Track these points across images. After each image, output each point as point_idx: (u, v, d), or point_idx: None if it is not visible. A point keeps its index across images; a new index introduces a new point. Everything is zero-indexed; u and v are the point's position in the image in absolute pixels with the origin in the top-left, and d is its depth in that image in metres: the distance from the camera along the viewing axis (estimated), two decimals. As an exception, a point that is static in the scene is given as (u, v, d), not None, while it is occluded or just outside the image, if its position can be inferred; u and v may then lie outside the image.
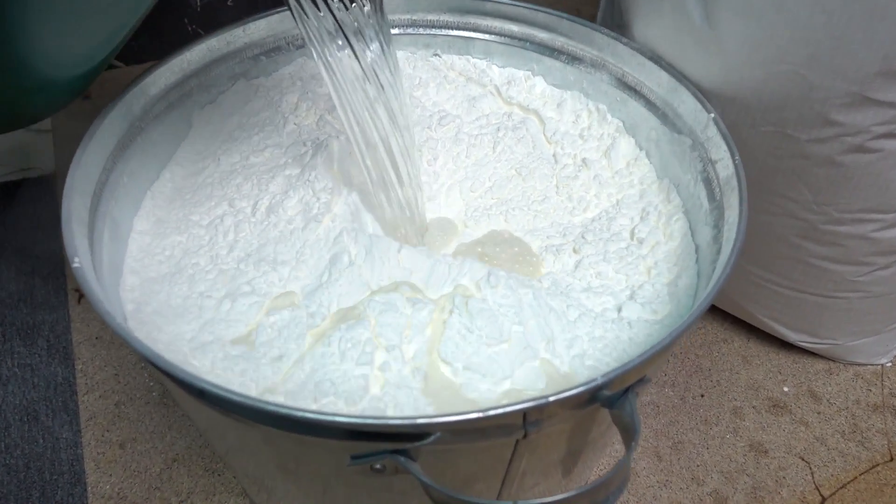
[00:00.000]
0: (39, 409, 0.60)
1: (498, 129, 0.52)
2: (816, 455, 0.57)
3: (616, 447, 0.57)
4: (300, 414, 0.29)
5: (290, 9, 0.38)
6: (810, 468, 0.57)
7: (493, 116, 0.53)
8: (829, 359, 0.63)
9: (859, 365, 0.63)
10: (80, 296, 0.67)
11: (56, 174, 0.79)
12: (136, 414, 0.58)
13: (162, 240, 0.44)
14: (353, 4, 0.39)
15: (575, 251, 0.44)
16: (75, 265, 0.35)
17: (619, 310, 0.40)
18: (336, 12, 0.39)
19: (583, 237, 0.45)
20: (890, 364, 0.64)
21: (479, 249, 0.45)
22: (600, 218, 0.47)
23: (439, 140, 0.51)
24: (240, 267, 0.41)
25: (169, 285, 0.41)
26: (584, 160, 0.50)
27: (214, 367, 0.36)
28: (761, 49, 0.42)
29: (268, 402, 0.29)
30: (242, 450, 0.39)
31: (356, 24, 0.39)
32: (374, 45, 0.41)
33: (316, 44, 0.39)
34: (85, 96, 0.89)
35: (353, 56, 0.40)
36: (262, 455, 0.37)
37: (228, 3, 0.91)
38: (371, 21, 0.40)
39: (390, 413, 0.35)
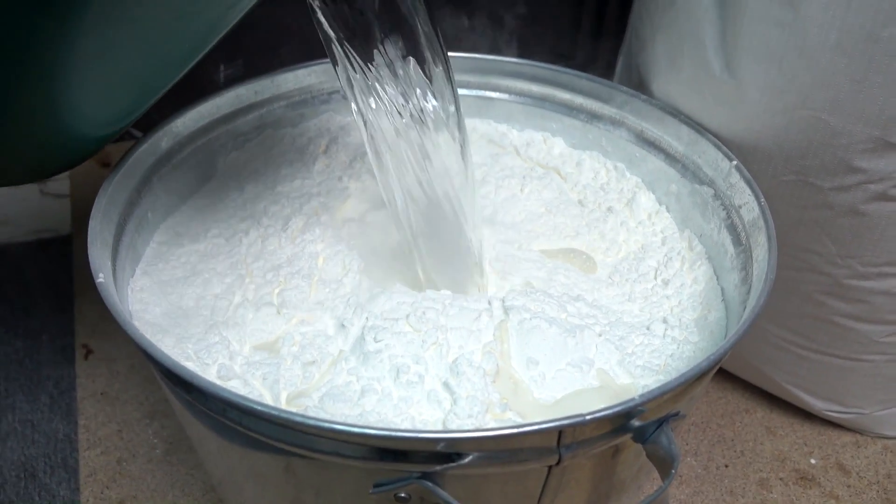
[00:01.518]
0: (38, 465, 0.58)
1: (524, 177, 0.53)
2: (850, 529, 0.55)
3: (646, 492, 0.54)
4: (327, 425, 0.28)
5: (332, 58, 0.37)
6: (845, 543, 0.54)
7: (517, 168, 0.54)
8: (855, 431, 0.61)
9: (888, 438, 0.61)
10: (88, 352, 0.66)
11: (72, 237, 0.79)
12: (138, 471, 0.56)
13: (178, 248, 0.44)
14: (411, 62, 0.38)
15: (607, 287, 0.44)
16: (99, 280, 0.34)
17: (648, 328, 0.40)
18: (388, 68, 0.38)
19: (610, 278, 0.45)
20: (920, 438, 0.61)
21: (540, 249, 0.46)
22: (628, 259, 0.47)
23: None
24: (266, 277, 0.40)
25: (182, 287, 0.40)
26: (609, 208, 0.50)
27: (228, 372, 0.35)
28: (783, 95, 0.42)
29: (294, 413, 0.28)
30: (255, 484, 0.37)
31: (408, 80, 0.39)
32: (436, 103, 0.40)
33: (360, 100, 0.38)
34: (104, 164, 0.91)
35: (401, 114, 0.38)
36: (277, 490, 0.35)
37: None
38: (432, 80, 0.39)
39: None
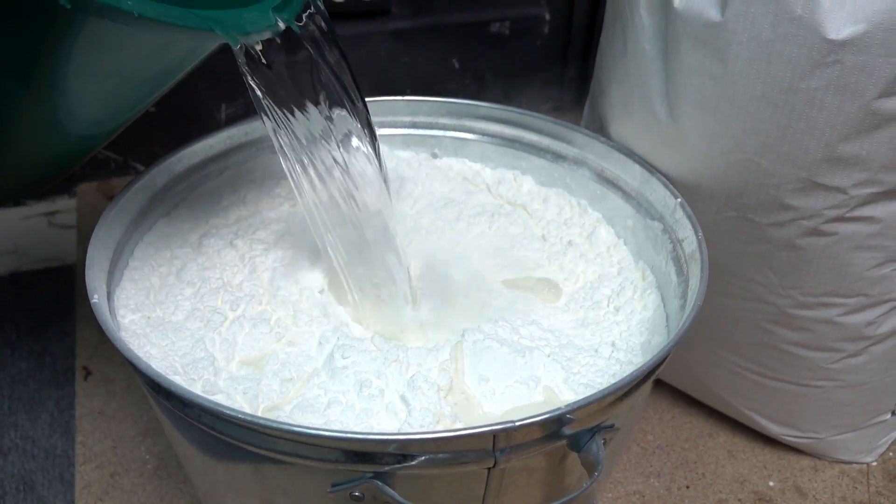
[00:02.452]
0: (36, 479, 0.61)
1: (493, 215, 0.57)
2: (803, 548, 0.57)
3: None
4: (290, 428, 0.31)
5: (260, 112, 0.41)
6: (797, 561, 0.56)
7: (487, 206, 0.59)
8: (813, 455, 0.64)
9: (844, 462, 0.64)
10: (87, 373, 0.70)
11: (76, 265, 0.83)
12: (130, 485, 0.60)
13: (166, 251, 0.48)
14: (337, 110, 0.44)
15: (562, 314, 0.49)
16: (94, 300, 0.38)
17: (596, 350, 0.44)
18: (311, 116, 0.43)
19: (566, 305, 0.49)
20: (875, 463, 0.64)
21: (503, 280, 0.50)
22: (584, 288, 0.51)
23: (445, 219, 0.57)
24: (271, 290, 0.45)
25: (172, 297, 0.44)
26: (569, 241, 0.54)
27: (212, 387, 0.39)
28: (719, 140, 0.47)
29: (260, 417, 0.32)
30: (233, 492, 0.41)
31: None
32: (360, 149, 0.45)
33: (287, 149, 0.42)
34: (110, 197, 0.96)
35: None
36: (250, 493, 0.39)
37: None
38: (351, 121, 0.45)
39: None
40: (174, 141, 0.99)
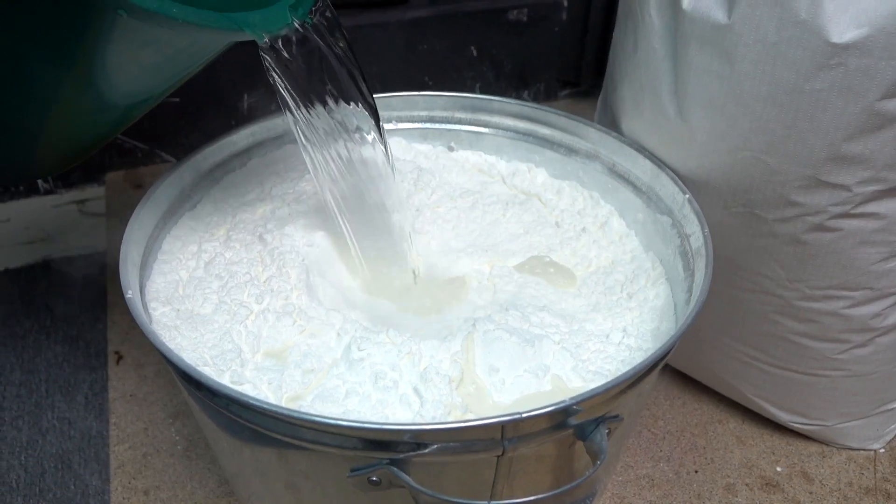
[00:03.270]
0: (73, 458, 0.65)
1: (507, 203, 0.59)
2: (808, 532, 0.59)
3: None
4: (311, 418, 0.34)
5: (282, 105, 0.46)
6: (801, 544, 0.58)
7: (502, 195, 0.61)
8: (821, 442, 0.66)
9: (852, 449, 0.65)
10: (119, 357, 0.73)
11: (107, 252, 0.86)
12: (161, 465, 0.63)
13: (195, 244, 0.51)
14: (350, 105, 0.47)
15: (574, 298, 0.50)
16: (128, 296, 0.41)
17: (608, 336, 0.46)
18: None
19: (578, 290, 0.51)
20: (883, 450, 0.66)
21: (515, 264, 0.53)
22: (597, 273, 0.53)
23: (461, 208, 0.59)
24: (285, 291, 0.47)
25: (201, 290, 0.47)
26: (583, 228, 0.56)
27: (239, 377, 0.41)
28: (726, 138, 0.48)
29: (286, 408, 0.34)
30: (258, 475, 0.43)
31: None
32: (369, 137, 0.48)
33: (306, 138, 0.46)
34: (137, 186, 0.99)
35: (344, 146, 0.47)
36: (275, 476, 0.42)
37: (272, 108, 1.02)
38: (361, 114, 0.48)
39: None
40: (198, 130, 1.02)
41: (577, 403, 0.35)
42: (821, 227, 0.49)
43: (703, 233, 0.47)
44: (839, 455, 0.65)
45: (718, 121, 0.47)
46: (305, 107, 0.45)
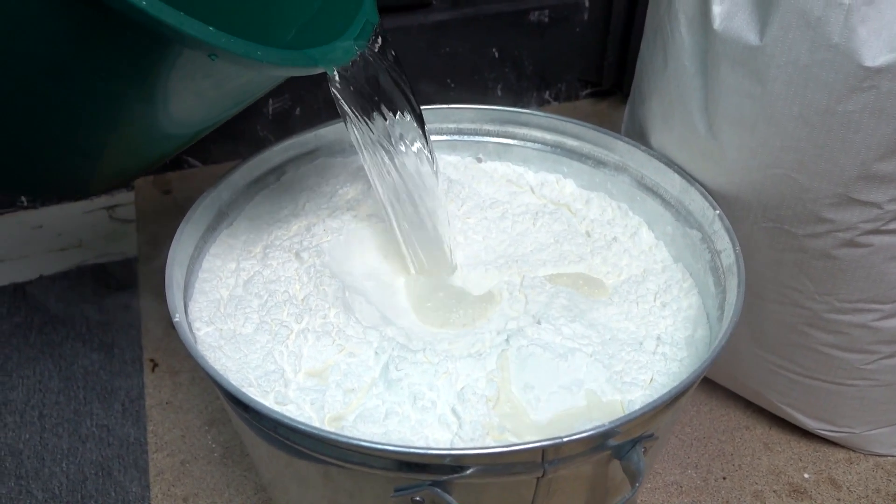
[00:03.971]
0: (113, 465, 0.67)
1: (537, 213, 0.60)
2: (836, 539, 0.60)
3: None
4: (358, 442, 0.35)
5: (345, 121, 0.49)
6: (829, 551, 0.59)
7: (531, 206, 0.61)
8: (849, 448, 0.66)
9: (879, 456, 0.66)
10: (154, 365, 0.75)
11: (139, 258, 0.88)
12: (199, 472, 0.64)
13: (234, 262, 0.53)
14: (397, 115, 0.50)
15: (606, 307, 0.51)
16: (176, 320, 0.42)
17: (641, 344, 0.46)
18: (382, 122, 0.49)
19: (610, 298, 0.51)
20: (910, 456, 0.66)
21: (546, 274, 0.54)
22: (629, 281, 0.53)
23: (491, 219, 0.60)
24: (333, 303, 0.49)
25: (241, 309, 0.48)
26: (614, 238, 0.57)
27: (283, 398, 0.43)
28: (757, 156, 0.48)
29: (336, 433, 0.35)
30: (299, 486, 0.45)
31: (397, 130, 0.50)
32: (415, 145, 0.51)
33: (365, 146, 0.49)
34: (166, 191, 1.01)
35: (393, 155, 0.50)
36: (318, 491, 0.43)
37: (296, 113, 1.03)
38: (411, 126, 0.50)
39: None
40: (225, 136, 1.03)
41: (618, 426, 0.36)
42: (851, 243, 0.49)
43: (735, 251, 0.47)
44: (866, 461, 0.66)
45: (749, 139, 0.48)
46: (365, 121, 0.48)
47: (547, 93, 1.13)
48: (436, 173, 0.53)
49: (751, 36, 0.45)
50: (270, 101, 1.01)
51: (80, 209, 0.98)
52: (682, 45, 0.50)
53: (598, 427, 0.36)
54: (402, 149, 0.50)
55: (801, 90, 0.44)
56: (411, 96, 0.49)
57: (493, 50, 1.07)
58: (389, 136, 0.50)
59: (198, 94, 0.42)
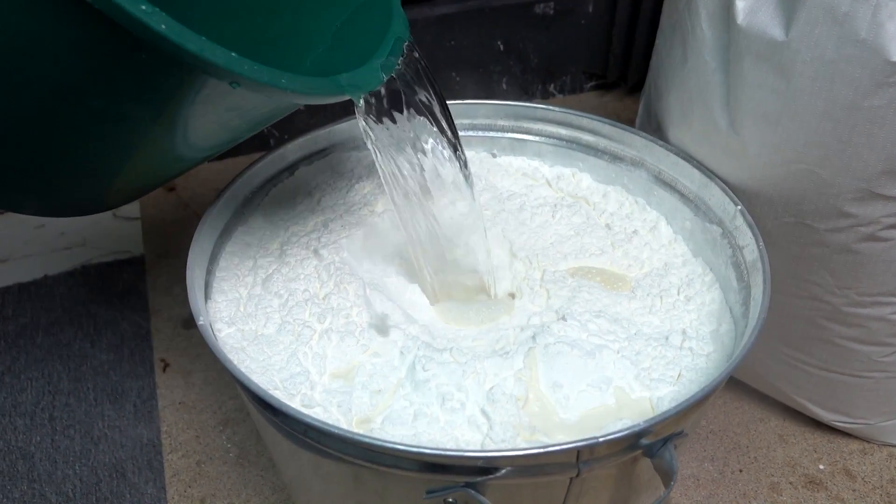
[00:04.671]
0: (126, 466, 0.66)
1: (555, 206, 0.60)
2: (853, 530, 0.60)
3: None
4: (394, 446, 0.35)
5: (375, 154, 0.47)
6: (847, 543, 0.59)
7: (549, 198, 0.61)
8: (863, 439, 0.66)
9: (893, 446, 0.66)
10: (165, 365, 0.74)
11: (144, 256, 0.87)
12: (216, 472, 0.64)
13: (251, 260, 0.52)
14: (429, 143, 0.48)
15: (629, 301, 0.51)
16: (200, 323, 0.42)
17: (667, 339, 0.46)
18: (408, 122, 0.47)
19: (632, 292, 0.51)
20: (924, 446, 0.66)
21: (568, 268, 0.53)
22: (651, 275, 0.53)
23: (509, 211, 0.59)
24: (348, 309, 0.48)
25: (262, 309, 0.48)
26: (634, 231, 0.57)
27: (310, 401, 0.42)
28: (780, 151, 0.48)
29: (370, 436, 0.35)
30: (325, 486, 0.45)
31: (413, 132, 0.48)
32: (441, 149, 0.49)
33: (380, 150, 0.47)
34: (170, 189, 1.00)
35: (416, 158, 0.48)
36: (345, 494, 0.43)
37: (301, 108, 1.02)
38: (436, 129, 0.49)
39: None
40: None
41: (654, 425, 0.36)
42: (872, 237, 0.49)
43: (759, 246, 0.47)
44: (880, 452, 0.66)
45: (772, 134, 0.48)
46: (393, 160, 0.46)
47: (552, 86, 1.13)
48: (470, 186, 0.50)
49: (776, 31, 0.45)
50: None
51: (83, 207, 0.97)
52: (703, 41, 0.50)
53: (634, 426, 0.36)
54: (438, 194, 0.48)
55: (826, 85, 0.44)
56: (442, 105, 0.48)
57: (498, 43, 1.06)
58: (421, 176, 0.48)
59: (217, 120, 0.41)
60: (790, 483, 0.64)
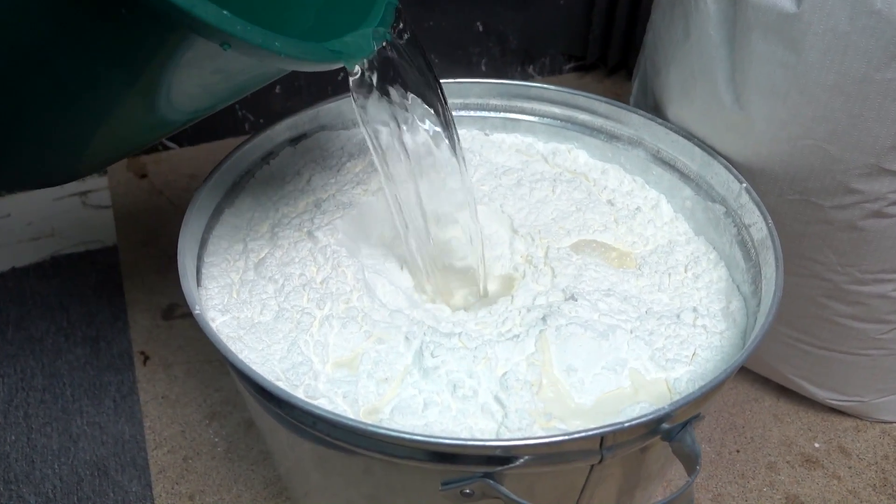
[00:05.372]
0: (109, 464, 0.63)
1: (554, 181, 0.58)
2: (851, 508, 0.60)
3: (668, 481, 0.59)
4: (410, 437, 0.33)
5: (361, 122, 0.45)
6: (846, 520, 0.59)
7: (546, 173, 0.59)
8: (856, 416, 0.67)
9: (885, 422, 0.66)
10: (145, 358, 0.71)
11: (118, 246, 0.84)
12: (204, 468, 0.62)
13: (241, 243, 0.50)
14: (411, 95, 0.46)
15: (636, 279, 0.49)
16: (196, 312, 0.39)
17: (678, 317, 0.45)
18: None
19: (639, 269, 0.50)
20: (915, 422, 0.67)
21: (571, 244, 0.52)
22: (656, 252, 0.52)
23: (507, 186, 0.57)
24: (347, 294, 0.46)
25: (256, 295, 0.45)
26: (637, 207, 0.55)
27: (314, 391, 0.40)
28: (787, 127, 0.47)
29: (386, 428, 0.33)
30: (331, 483, 0.43)
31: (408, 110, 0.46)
32: (431, 125, 0.47)
33: (370, 126, 0.46)
34: (142, 175, 0.96)
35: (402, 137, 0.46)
36: (353, 488, 0.41)
37: (276, 91, 0.99)
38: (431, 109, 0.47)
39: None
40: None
41: (678, 408, 0.35)
42: (878, 214, 0.49)
43: (768, 224, 0.46)
44: (873, 429, 0.66)
45: (780, 109, 0.47)
46: (378, 104, 0.44)
47: (531, 67, 1.11)
48: (462, 163, 0.49)
49: (786, 3, 0.44)
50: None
51: (50, 196, 0.93)
52: (707, 14, 0.49)
53: (659, 410, 0.34)
54: (430, 170, 0.47)
55: (838, 58, 0.43)
56: (431, 75, 0.46)
57: (478, 24, 1.04)
58: (413, 152, 0.46)
59: (200, 84, 0.39)
60: (787, 462, 0.64)
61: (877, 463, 0.64)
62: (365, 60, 0.41)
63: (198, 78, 0.37)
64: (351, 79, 0.42)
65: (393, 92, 0.45)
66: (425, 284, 0.51)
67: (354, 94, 0.42)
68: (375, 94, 0.43)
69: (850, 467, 0.63)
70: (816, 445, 0.65)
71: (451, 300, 0.51)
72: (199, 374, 0.69)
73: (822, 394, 0.65)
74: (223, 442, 0.63)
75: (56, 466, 0.63)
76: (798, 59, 0.45)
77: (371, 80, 0.42)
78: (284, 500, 0.59)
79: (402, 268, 0.51)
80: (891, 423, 0.66)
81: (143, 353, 0.72)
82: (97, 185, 0.96)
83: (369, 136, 0.45)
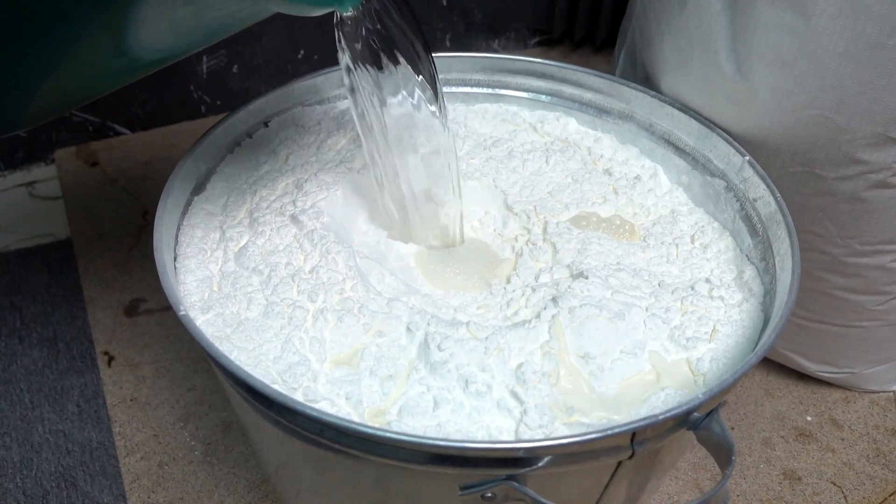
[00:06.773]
0: (76, 474, 0.59)
1: (547, 151, 0.55)
2: (847, 479, 0.60)
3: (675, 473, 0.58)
4: (432, 442, 0.30)
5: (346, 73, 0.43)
6: (843, 492, 0.59)
7: (537, 143, 0.56)
8: (844, 388, 0.66)
9: (873, 392, 0.66)
10: (110, 358, 0.67)
11: (72, 239, 0.79)
12: (181, 474, 0.58)
13: (217, 231, 0.46)
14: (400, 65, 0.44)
15: (643, 251, 0.47)
16: (182, 314, 0.36)
17: (693, 288, 0.43)
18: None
19: (644, 240, 0.48)
20: (900, 390, 0.67)
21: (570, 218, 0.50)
22: (660, 222, 0.50)
23: (498, 158, 0.54)
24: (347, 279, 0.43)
25: (241, 288, 0.42)
26: (636, 176, 0.53)
27: (314, 394, 0.37)
28: (792, 96, 0.46)
29: (404, 434, 0.30)
30: (336, 491, 0.40)
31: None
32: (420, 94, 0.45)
33: (360, 96, 0.44)
34: (93, 163, 0.90)
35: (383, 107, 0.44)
36: (362, 495, 0.38)
37: (233, 71, 0.94)
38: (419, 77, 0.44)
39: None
40: (155, 99, 0.93)
41: (710, 398, 0.33)
42: (882, 184, 0.48)
43: (776, 198, 0.44)
44: (862, 399, 0.66)
45: (786, 78, 0.45)
46: (365, 68, 0.42)
47: (496, 42, 1.08)
48: (449, 132, 0.47)
49: (795, -34, 0.42)
50: (205, 59, 0.92)
51: (-8, 187, 0.87)
52: (707, -20, 0.47)
53: (693, 400, 0.33)
54: (410, 103, 0.45)
55: (849, 23, 0.41)
56: (421, 39, 0.43)
57: (441, -3, 1.01)
58: (393, 87, 0.44)
59: (169, 17, 0.35)
60: (781, 437, 0.63)
61: (868, 433, 0.63)
62: (359, 7, 0.38)
63: (169, 8, 0.34)
64: (341, 33, 0.39)
65: (383, 60, 0.42)
66: (393, 222, 0.49)
67: (343, 45, 0.40)
68: (365, 50, 0.40)
69: (842, 439, 0.63)
70: (809, 419, 0.65)
71: (422, 241, 0.49)
72: (169, 374, 0.65)
73: (814, 367, 0.64)
74: (200, 445, 0.60)
75: (18, 480, 0.59)
76: (807, 25, 0.43)
77: (362, 32, 0.39)
78: (271, 502, 0.56)
79: (392, 245, 0.48)
80: (877, 392, 0.66)
81: (106, 353, 0.67)
82: (44, 175, 0.90)
83: (355, 105, 0.42)
